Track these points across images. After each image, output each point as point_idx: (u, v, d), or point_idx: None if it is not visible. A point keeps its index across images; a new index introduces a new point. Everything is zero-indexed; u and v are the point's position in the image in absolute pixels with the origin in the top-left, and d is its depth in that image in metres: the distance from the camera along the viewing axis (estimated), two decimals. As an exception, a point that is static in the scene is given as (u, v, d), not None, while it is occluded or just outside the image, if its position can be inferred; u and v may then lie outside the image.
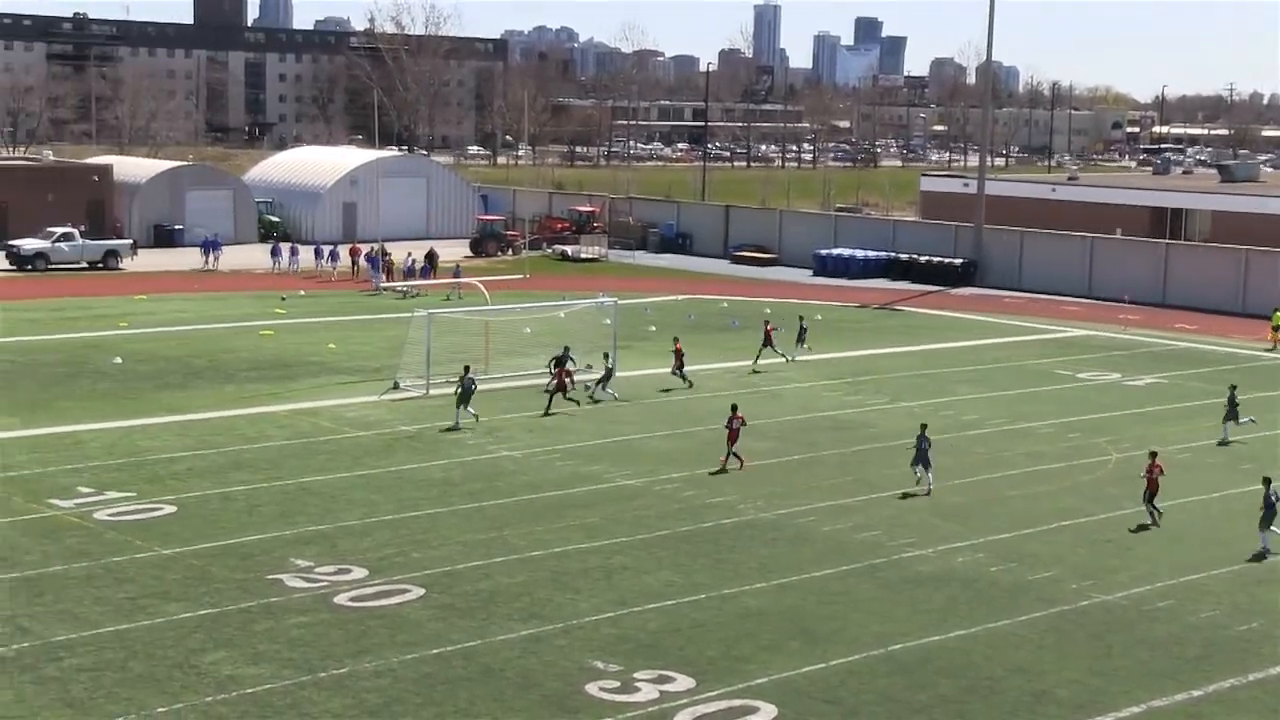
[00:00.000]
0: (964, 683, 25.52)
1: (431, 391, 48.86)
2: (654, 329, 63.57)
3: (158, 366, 53.16)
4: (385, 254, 79.08)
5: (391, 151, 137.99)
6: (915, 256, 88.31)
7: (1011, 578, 31.38)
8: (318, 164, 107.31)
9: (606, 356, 50.18)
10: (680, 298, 76.47)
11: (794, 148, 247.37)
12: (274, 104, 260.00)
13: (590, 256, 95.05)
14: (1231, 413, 45.91)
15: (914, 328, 69.01)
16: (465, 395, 44.75)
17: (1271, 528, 33.73)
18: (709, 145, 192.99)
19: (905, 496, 37.75)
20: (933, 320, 71.79)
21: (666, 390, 50.63)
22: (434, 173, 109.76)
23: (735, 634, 27.49)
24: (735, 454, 40.11)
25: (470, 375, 45.11)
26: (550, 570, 30.88)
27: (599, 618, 28.07)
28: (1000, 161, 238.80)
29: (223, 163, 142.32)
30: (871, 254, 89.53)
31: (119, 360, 53.62)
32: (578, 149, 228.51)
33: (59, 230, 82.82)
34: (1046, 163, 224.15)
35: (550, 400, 47.07)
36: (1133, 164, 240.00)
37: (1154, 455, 36.43)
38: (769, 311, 64.59)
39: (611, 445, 42.27)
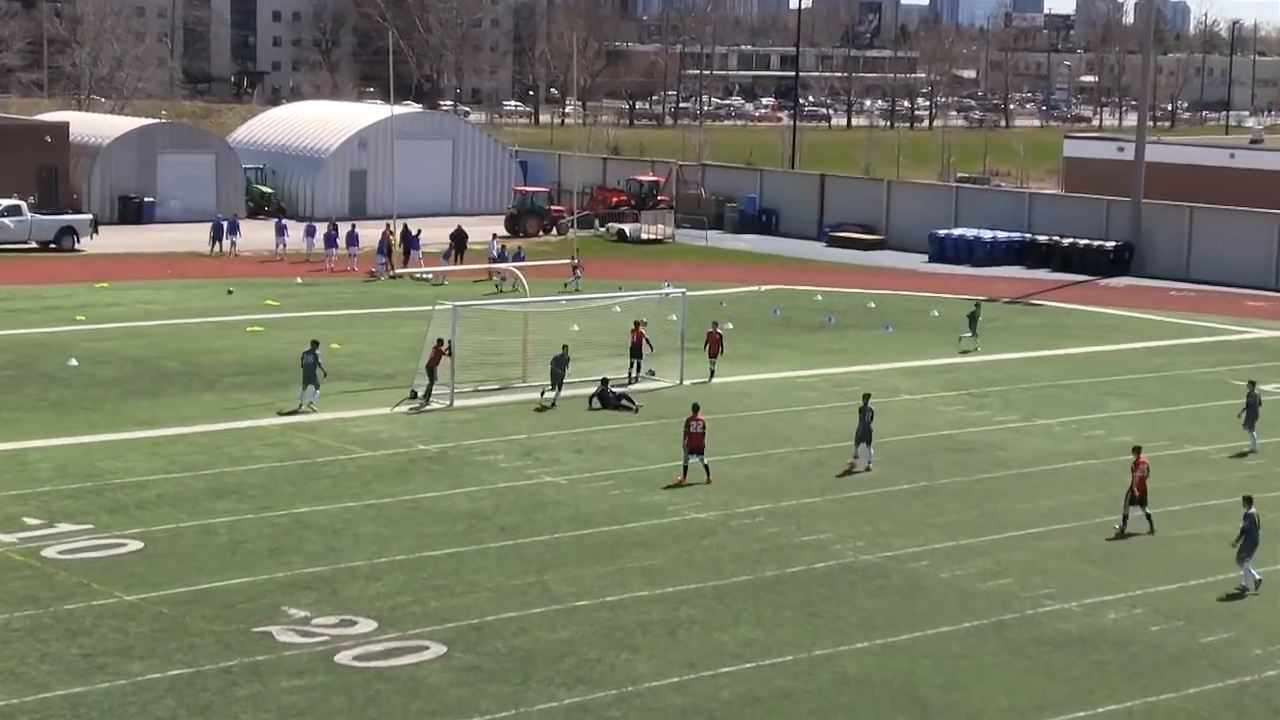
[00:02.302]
0: (1115, 770, 25.36)
1: (457, 403, 49.02)
2: (731, 327, 63.48)
3: (123, 370, 53.55)
4: (414, 233, 78.43)
5: (410, 107, 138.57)
6: (1057, 239, 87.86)
7: (1177, 640, 31.13)
8: (320, 122, 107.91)
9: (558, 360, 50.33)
10: (764, 288, 76.39)
11: (906, 104, 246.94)
12: (266, 49, 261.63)
13: (653, 237, 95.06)
14: (1251, 417, 45.89)
15: (1054, 327, 68.64)
16: (308, 375, 47.03)
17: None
18: (801, 101, 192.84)
19: (844, 475, 42.23)
20: (1078, 318, 71.40)
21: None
22: (462, 133, 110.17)
23: (829, 705, 27.41)
24: (704, 465, 41.08)
25: (314, 351, 47.20)
26: (602, 624, 30.91)
27: (661, 683, 28.06)
28: (1165, 121, 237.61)
29: (204, 121, 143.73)
30: (1002, 235, 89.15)
31: (75, 362, 54.03)
32: (639, 105, 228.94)
33: (3, 203, 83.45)
34: (1224, 121, 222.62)
35: (429, 388, 48.78)
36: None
37: (1138, 451, 38.94)
38: (725, 317, 63.87)
39: (677, 470, 42.20)
